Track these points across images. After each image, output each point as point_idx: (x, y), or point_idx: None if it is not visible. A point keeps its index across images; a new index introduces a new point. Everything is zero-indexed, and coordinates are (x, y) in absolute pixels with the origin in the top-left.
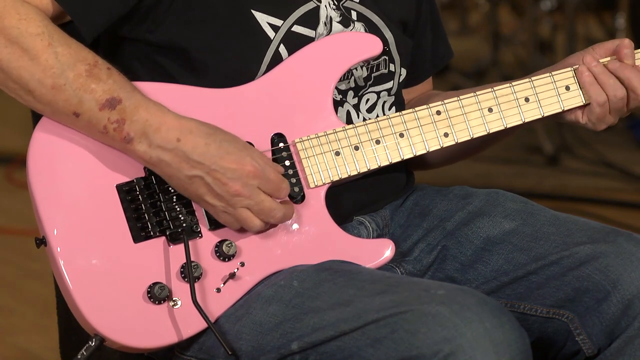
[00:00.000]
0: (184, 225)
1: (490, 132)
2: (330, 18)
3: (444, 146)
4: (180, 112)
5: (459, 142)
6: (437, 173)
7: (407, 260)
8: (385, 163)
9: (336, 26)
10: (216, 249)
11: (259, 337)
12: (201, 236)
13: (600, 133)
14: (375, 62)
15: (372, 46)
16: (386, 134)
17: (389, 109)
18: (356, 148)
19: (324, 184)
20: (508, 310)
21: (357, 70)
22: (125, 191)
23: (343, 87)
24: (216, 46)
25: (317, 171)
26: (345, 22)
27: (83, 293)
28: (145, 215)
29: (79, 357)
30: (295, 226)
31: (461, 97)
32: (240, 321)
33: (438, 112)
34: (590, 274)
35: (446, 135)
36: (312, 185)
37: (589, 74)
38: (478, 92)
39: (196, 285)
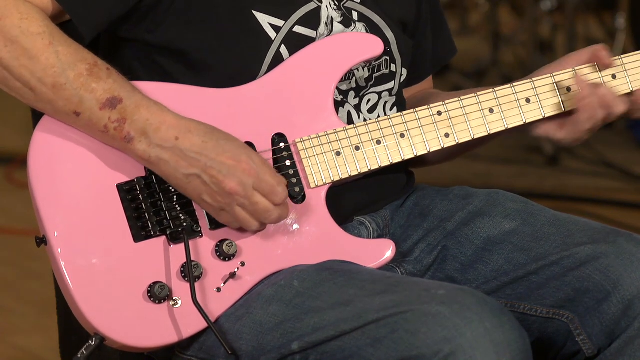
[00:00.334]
0: (185, 224)
1: (491, 132)
2: (332, 18)
3: (445, 147)
4: (180, 112)
5: (459, 142)
6: (437, 173)
7: (407, 260)
8: (386, 163)
9: (337, 26)
10: (216, 248)
11: (260, 337)
12: (201, 236)
13: (600, 133)
14: (377, 62)
15: (373, 46)
16: (387, 134)
17: (390, 109)
18: (357, 148)
19: (325, 184)
20: (508, 310)
21: (358, 70)
22: (126, 191)
23: (344, 87)
24: (217, 47)
25: (318, 171)
26: (347, 22)
27: (83, 292)
28: (146, 214)
29: (79, 356)
30: (295, 226)
31: (462, 97)
32: (241, 321)
33: (439, 113)
34: (591, 275)
35: (447, 135)
36: (312, 185)
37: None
38: (479, 93)
39: (196, 284)
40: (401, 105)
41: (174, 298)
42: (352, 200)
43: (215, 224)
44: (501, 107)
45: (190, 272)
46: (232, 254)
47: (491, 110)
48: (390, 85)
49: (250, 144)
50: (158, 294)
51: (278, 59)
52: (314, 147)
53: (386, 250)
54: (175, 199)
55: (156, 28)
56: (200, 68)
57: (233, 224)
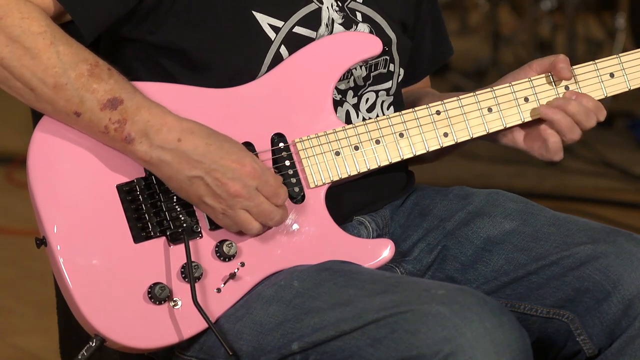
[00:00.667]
0: (185, 225)
1: (490, 132)
2: (332, 20)
3: (444, 146)
4: (180, 112)
5: (458, 142)
6: (437, 173)
7: (407, 260)
8: (385, 163)
9: (338, 28)
10: (216, 249)
11: (260, 337)
12: (201, 236)
13: (600, 133)
14: (374, 61)
15: (372, 46)
16: (386, 133)
17: (388, 109)
18: (356, 148)
19: (324, 183)
20: (508, 310)
21: (356, 69)
22: (126, 191)
23: (342, 86)
24: (217, 47)
25: (317, 171)
26: (348, 23)
27: (83, 293)
28: (146, 215)
29: (80, 357)
30: (295, 226)
31: (461, 96)
32: (241, 321)
33: (438, 112)
34: (591, 274)
35: (446, 135)
36: (312, 185)
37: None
38: (477, 92)
39: (196, 285)
40: (399, 105)
41: (174, 299)
42: (351, 200)
43: (215, 225)
44: (499, 106)
45: (191, 272)
46: (232, 254)
47: (490, 110)
48: (388, 84)
49: (249, 144)
50: (158, 294)
51: (278, 60)
52: (313, 147)
53: (385, 250)
54: (175, 200)
55: (157, 29)
56: (201, 68)
57: (232, 228)
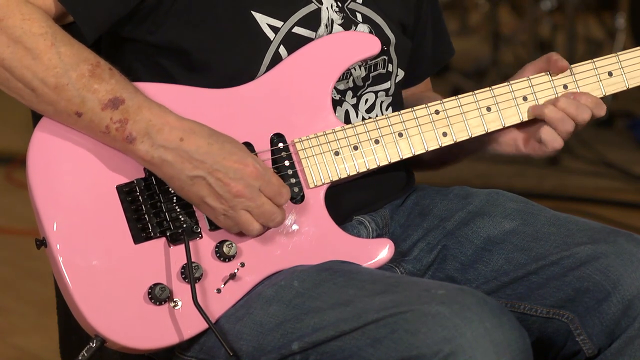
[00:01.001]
0: (185, 225)
1: (489, 131)
2: (332, 20)
3: (443, 145)
4: (180, 112)
5: (457, 141)
6: (437, 173)
7: (407, 260)
8: (384, 163)
9: (337, 28)
10: (216, 249)
11: (260, 337)
12: (201, 237)
13: (600, 133)
14: (374, 62)
15: (370, 46)
16: (385, 133)
17: (387, 109)
18: (355, 148)
19: (324, 183)
20: (508, 310)
21: (355, 70)
22: (126, 192)
23: (342, 87)
24: (216, 47)
25: (317, 171)
26: (348, 24)
27: (83, 294)
28: (146, 216)
29: (80, 358)
30: (295, 226)
31: (459, 96)
32: (241, 321)
33: (437, 112)
34: (591, 274)
35: (445, 134)
36: (311, 185)
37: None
38: (476, 92)
39: (197, 285)
40: (398, 105)
41: (174, 299)
42: (351, 200)
43: (215, 225)
44: (498, 105)
45: (191, 273)
46: (232, 254)
47: (488, 109)
48: (386, 85)
49: (248, 144)
50: (158, 295)
51: (277, 60)
52: (312, 147)
53: (384, 250)
54: (175, 200)
55: (157, 29)
56: (200, 68)
57: (233, 229)
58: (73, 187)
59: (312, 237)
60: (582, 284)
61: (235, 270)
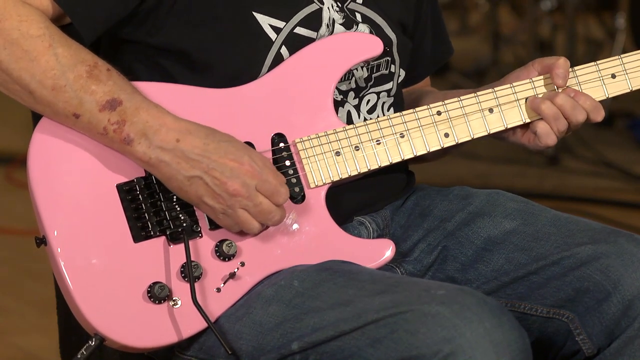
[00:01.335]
0: (184, 224)
1: (491, 132)
2: (333, 20)
3: (445, 146)
4: (180, 112)
5: (459, 142)
6: (437, 173)
7: (407, 260)
8: (385, 163)
9: (339, 28)
10: (216, 248)
11: (259, 337)
12: (201, 236)
13: (600, 133)
14: (376, 62)
15: (372, 46)
16: (387, 134)
17: (388, 110)
18: (356, 148)
19: (325, 184)
20: (508, 310)
21: (357, 71)
22: (126, 191)
23: (344, 87)
24: (217, 48)
25: (318, 171)
26: (349, 24)
27: (83, 292)
28: (146, 214)
29: (79, 356)
30: (295, 226)
31: (462, 97)
32: (241, 321)
33: (439, 113)
34: (591, 274)
35: (447, 135)
36: (312, 185)
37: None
38: (478, 93)
39: (196, 285)
40: (399, 105)
41: (173, 298)
42: (351, 200)
43: (215, 224)
44: (501, 106)
45: (190, 272)
46: (232, 254)
47: (491, 110)
48: (389, 85)
49: (249, 144)
50: (158, 294)
51: (278, 60)
52: (313, 147)
53: (386, 250)
54: (174, 199)
55: (157, 30)
56: (202, 69)
57: (233, 228)
58: (73, 187)
59: (312, 237)
60: (583, 284)
61: (235, 270)
